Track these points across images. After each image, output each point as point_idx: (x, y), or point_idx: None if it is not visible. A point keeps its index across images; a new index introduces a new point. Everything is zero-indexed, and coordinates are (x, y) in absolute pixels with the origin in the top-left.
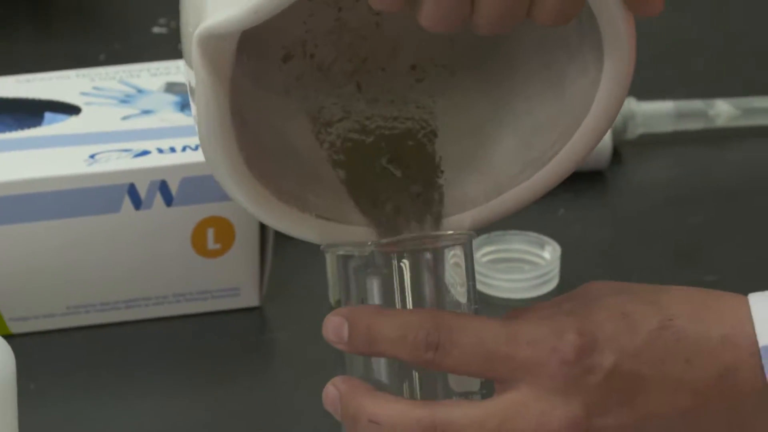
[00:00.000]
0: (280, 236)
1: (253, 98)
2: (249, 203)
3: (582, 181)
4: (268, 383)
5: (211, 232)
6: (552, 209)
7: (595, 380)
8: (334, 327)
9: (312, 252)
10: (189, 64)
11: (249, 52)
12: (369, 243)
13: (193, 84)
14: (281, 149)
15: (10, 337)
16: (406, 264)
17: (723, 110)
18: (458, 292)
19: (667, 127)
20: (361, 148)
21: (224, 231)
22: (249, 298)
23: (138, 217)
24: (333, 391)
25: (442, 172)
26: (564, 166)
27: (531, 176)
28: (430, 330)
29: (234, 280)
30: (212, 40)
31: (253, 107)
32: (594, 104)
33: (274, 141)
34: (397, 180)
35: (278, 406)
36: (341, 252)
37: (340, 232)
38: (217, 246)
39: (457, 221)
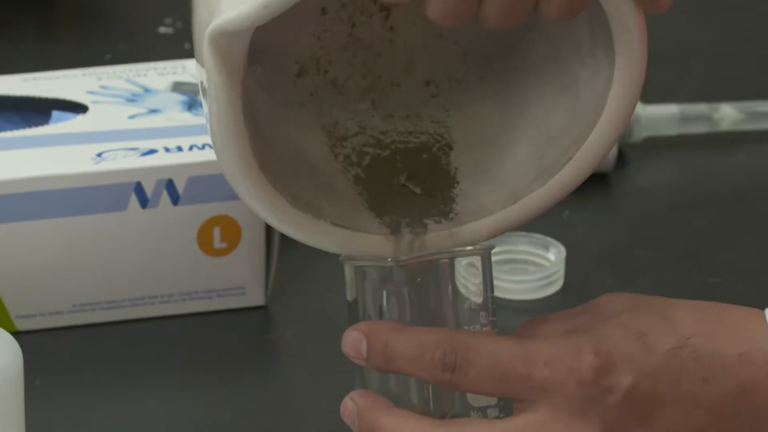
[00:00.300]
0: (285, 236)
1: (267, 109)
2: (260, 206)
3: (587, 183)
4: (273, 382)
5: (217, 231)
6: (557, 211)
7: (613, 400)
8: (353, 342)
9: (317, 252)
10: (201, 63)
11: (263, 64)
12: (389, 259)
13: (205, 83)
14: (295, 158)
15: (16, 335)
16: (424, 279)
17: (727, 114)
18: (476, 304)
19: (672, 130)
20: (377, 163)
21: (230, 230)
22: (254, 297)
23: (144, 215)
24: (351, 405)
25: (457, 183)
26: (578, 172)
27: (545, 183)
28: (447, 350)
29: (239, 279)
30: (224, 38)
31: (267, 117)
32: (607, 105)
33: (288, 150)
34: (416, 195)
35: (283, 405)
36: (359, 263)
37: (356, 241)
38: (223, 245)
39: (473, 231)
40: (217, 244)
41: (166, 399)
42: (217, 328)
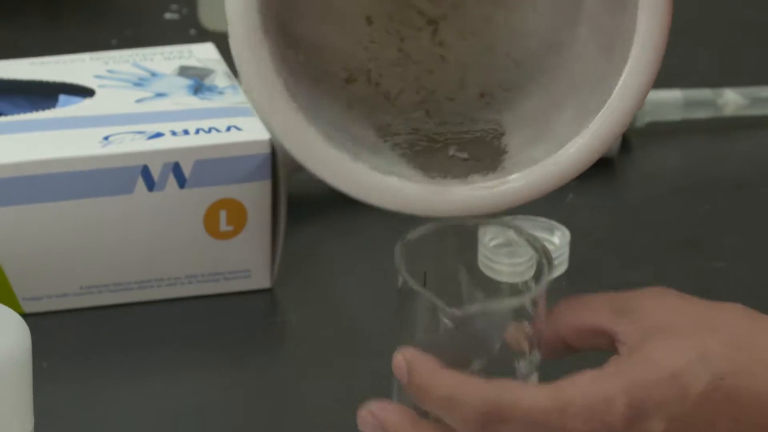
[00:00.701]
0: (291, 219)
1: (305, 79)
2: (290, 138)
3: (590, 168)
4: (278, 365)
5: (223, 214)
6: (561, 196)
7: None
8: (398, 367)
9: (323, 235)
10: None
11: (307, 62)
12: (439, 307)
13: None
14: (336, 122)
15: (23, 317)
16: (473, 324)
17: (731, 99)
18: (521, 360)
19: (676, 115)
20: (427, 149)
21: (236, 213)
22: (260, 279)
23: (151, 198)
24: (370, 419)
25: (506, 152)
26: (618, 115)
27: (588, 126)
28: (480, 410)
29: (246, 262)
30: None
31: (307, 91)
32: (635, 37)
33: (329, 111)
34: (464, 159)
35: (288, 388)
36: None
37: (395, 193)
38: (230, 228)
39: (516, 188)
40: (224, 227)
41: (172, 381)
42: (224, 311)
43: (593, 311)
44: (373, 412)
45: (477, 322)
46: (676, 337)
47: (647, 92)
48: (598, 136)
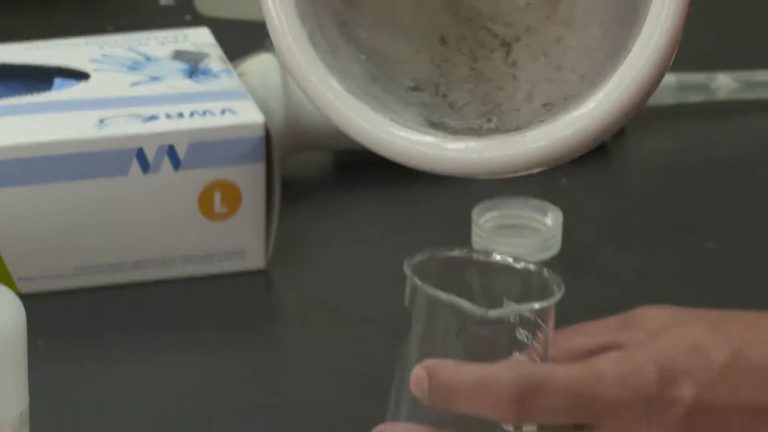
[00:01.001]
0: (286, 201)
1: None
2: (305, 78)
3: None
4: (273, 345)
5: (218, 196)
6: (554, 179)
7: (677, 413)
8: (417, 377)
9: (318, 217)
10: None
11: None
12: (467, 309)
13: None
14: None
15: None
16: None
17: (723, 83)
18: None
19: (669, 99)
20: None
21: (231, 195)
22: (255, 260)
23: (146, 180)
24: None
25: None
26: (649, 55)
27: (619, 66)
28: (512, 384)
29: (240, 243)
30: None
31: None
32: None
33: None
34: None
35: (282, 368)
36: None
37: (415, 148)
38: (224, 209)
39: (538, 135)
40: (218, 208)
41: (166, 361)
42: (218, 292)
43: (597, 329)
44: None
45: (499, 328)
46: (687, 326)
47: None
48: (618, 89)
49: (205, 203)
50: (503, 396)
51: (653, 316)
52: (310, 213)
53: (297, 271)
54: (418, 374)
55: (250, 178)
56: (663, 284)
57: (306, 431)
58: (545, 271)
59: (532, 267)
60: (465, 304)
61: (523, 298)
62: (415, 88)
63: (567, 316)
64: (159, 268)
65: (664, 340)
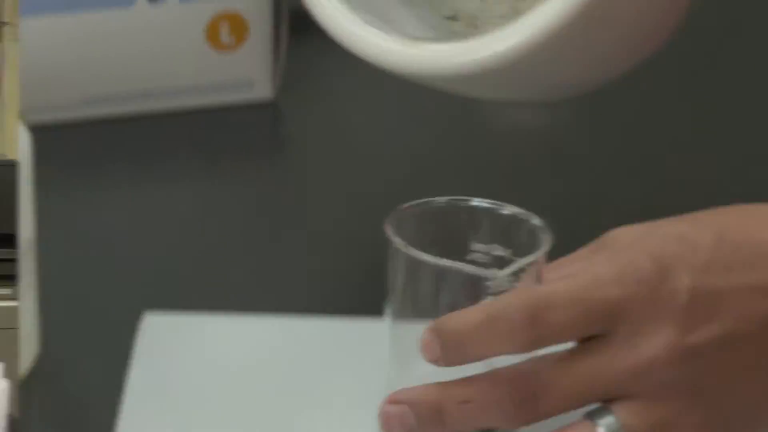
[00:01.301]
0: (295, 32)
1: None
2: None
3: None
4: (281, 175)
5: (225, 26)
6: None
7: (680, 301)
8: (426, 341)
9: (326, 48)
10: None
11: None
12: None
13: None
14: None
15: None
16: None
17: None
18: None
19: None
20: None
21: (238, 25)
22: (262, 90)
23: (152, 11)
24: (392, 409)
25: None
26: None
27: None
28: (521, 306)
29: (248, 74)
30: None
31: None
32: None
33: None
34: None
35: (289, 198)
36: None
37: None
38: (231, 40)
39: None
40: (225, 39)
41: (175, 190)
42: (227, 123)
43: (573, 259)
44: (393, 398)
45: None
46: (667, 226)
47: None
48: None
49: (212, 34)
50: (515, 323)
51: (626, 231)
52: (319, 44)
53: (305, 103)
54: (427, 338)
55: (256, 9)
56: None
57: (316, 253)
58: (532, 218)
59: (517, 211)
60: (470, 268)
61: (506, 243)
62: (452, 17)
63: None
64: (166, 99)
65: (649, 237)
